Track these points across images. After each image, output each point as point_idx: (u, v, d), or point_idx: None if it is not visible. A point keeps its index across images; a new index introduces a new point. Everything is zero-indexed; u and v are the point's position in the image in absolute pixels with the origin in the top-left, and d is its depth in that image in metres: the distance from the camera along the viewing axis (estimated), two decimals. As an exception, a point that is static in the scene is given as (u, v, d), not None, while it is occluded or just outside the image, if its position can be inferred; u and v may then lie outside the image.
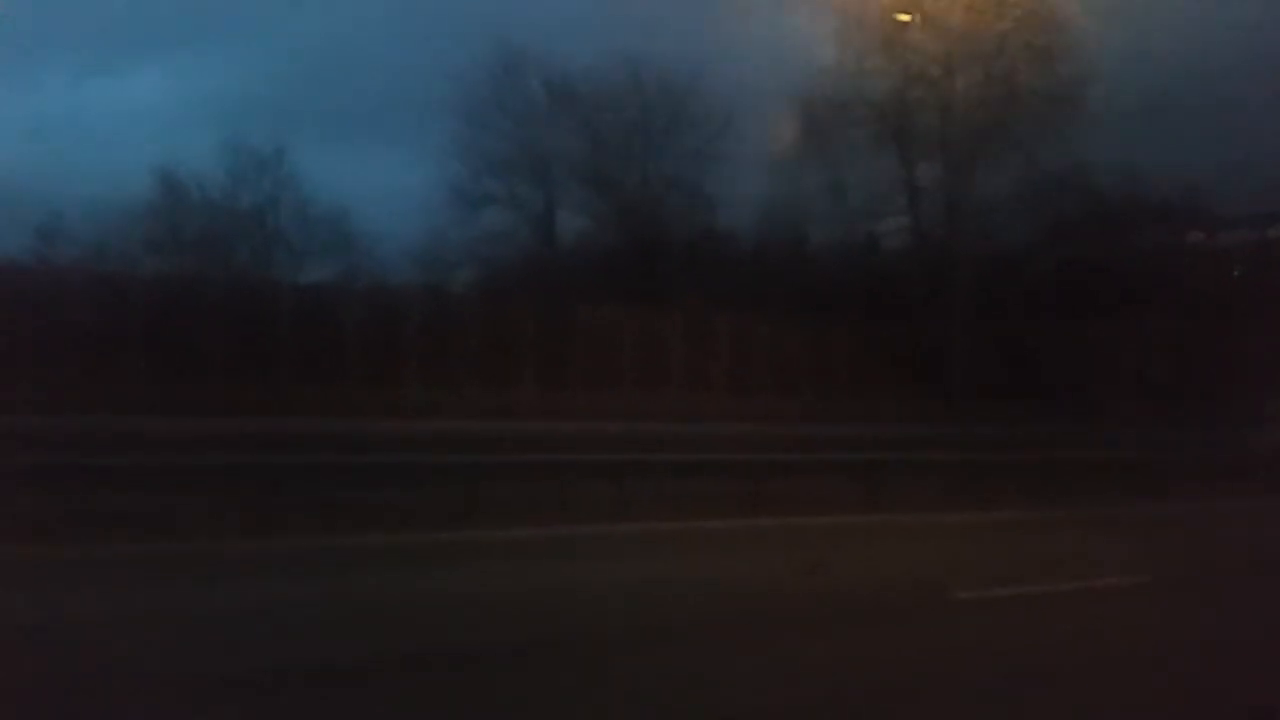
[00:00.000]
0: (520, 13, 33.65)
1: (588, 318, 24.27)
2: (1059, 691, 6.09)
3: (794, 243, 31.22)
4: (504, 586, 8.52)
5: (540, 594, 8.20)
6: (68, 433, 11.78)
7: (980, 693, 6.09)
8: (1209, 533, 12.89)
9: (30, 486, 10.14)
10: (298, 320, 21.14)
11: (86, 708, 5.27)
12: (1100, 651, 7.01)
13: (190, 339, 18.91)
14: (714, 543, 10.97)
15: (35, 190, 25.44)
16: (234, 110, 36.06)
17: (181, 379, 17.92)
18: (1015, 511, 13.50)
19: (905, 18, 26.50)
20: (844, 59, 27.98)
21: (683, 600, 8.06)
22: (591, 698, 5.68)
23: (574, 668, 6.19)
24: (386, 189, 30.04)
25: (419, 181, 33.02)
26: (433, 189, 29.38)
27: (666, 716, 5.55)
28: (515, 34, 29.06)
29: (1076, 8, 26.61)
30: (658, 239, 30.01)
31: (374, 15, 36.85)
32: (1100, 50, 26.71)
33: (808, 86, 28.65)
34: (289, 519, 10.68)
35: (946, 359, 25.61)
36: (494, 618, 7.31)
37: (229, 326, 19.51)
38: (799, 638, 7.12)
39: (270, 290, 24.53)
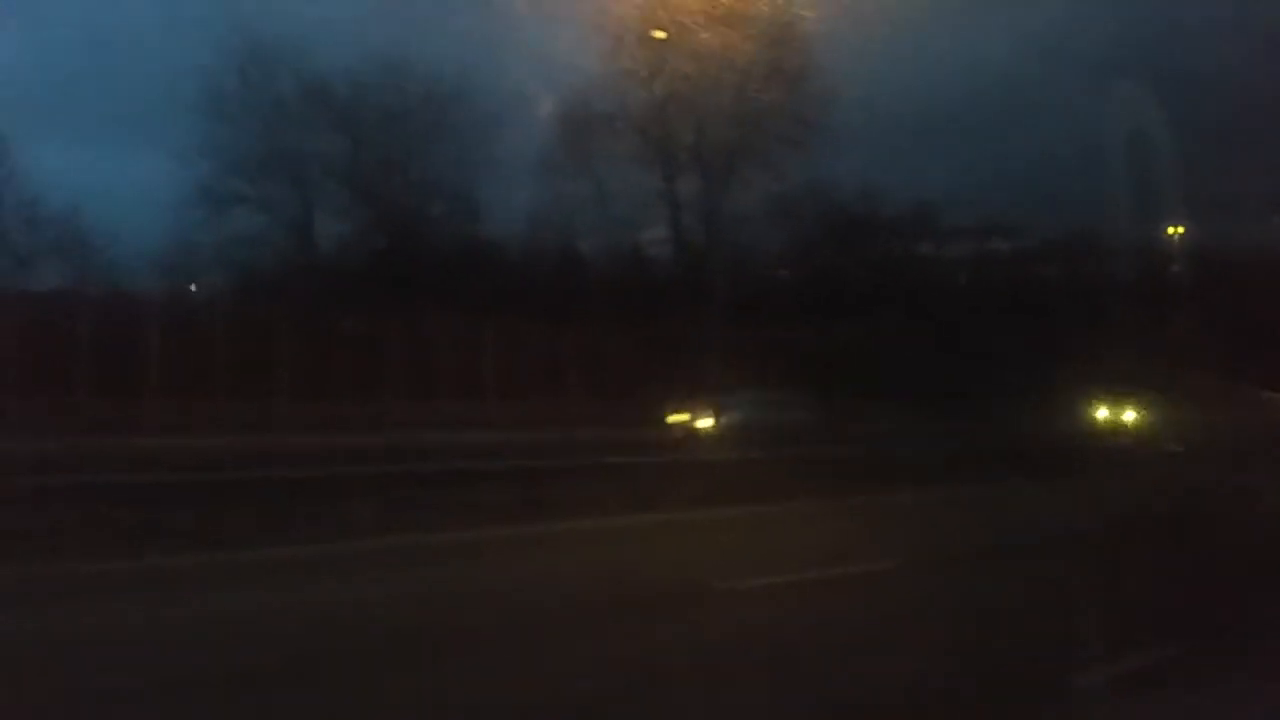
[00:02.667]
0: (275, 7, 32.35)
1: (349, 327, 23.69)
2: (795, 669, 6.65)
3: (561, 251, 31.61)
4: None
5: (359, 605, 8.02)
6: None
7: (734, 673, 6.55)
8: (955, 519, 13.93)
9: None
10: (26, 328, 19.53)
11: None
12: (839, 629, 7.68)
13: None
14: (494, 550, 10.93)
15: None
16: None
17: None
18: (779, 505, 14.07)
19: (661, 35, 27.48)
20: (605, 73, 28.70)
21: (475, 607, 8.09)
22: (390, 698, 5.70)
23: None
24: (126, 189, 27.96)
25: (163, 181, 30.85)
26: (178, 189, 27.61)
27: (471, 708, 5.67)
28: (268, 28, 28.02)
29: (823, 31, 28.39)
30: (421, 246, 29.56)
31: (114, 3, 34.26)
32: (843, 73, 28.68)
33: (571, 98, 29.17)
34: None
35: (707, 361, 26.66)
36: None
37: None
38: (573, 636, 7.33)
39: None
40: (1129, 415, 26.37)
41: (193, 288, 29.26)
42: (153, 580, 9.02)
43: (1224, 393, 26.25)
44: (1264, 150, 30.57)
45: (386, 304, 24.29)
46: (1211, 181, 30.38)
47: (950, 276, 36.55)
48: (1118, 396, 26.70)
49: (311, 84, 28.66)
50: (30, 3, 35.45)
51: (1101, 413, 26.65)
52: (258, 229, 29.18)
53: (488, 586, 9.00)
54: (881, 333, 28.45)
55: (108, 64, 32.32)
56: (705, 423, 23.24)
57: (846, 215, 32.71)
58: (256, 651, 6.62)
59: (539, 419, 21.91)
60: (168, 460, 14.77)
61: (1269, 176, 31.83)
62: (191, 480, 13.36)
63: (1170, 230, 32.25)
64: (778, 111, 30.61)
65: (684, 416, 23.52)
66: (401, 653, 6.73)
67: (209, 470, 14.30)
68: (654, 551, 10.92)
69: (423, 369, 24.23)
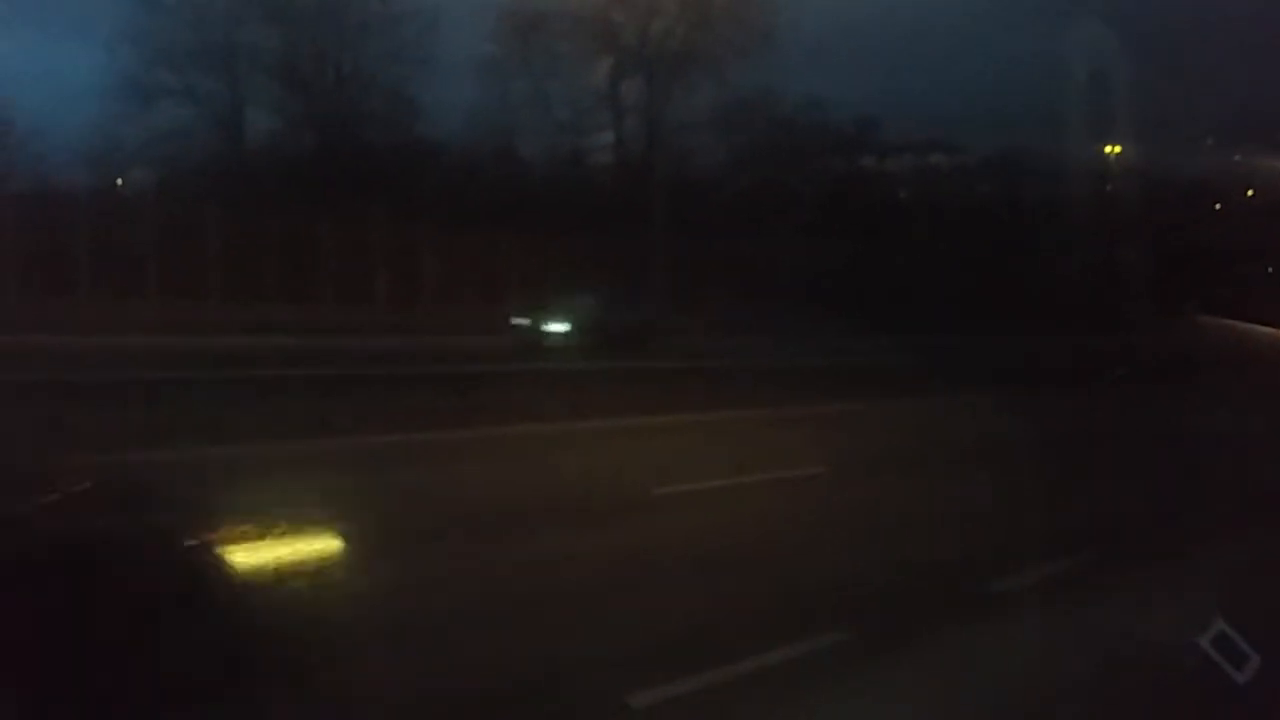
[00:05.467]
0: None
1: (282, 227, 23.12)
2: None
3: (500, 154, 30.95)
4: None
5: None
6: None
7: (674, 572, 6.77)
8: (883, 429, 14.18)
9: None
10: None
11: None
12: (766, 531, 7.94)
13: None
14: (428, 454, 10.88)
15: None
16: None
17: None
18: (713, 413, 14.19)
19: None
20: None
21: (413, 511, 8.07)
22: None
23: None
24: (50, 79, 26.53)
25: (88, 72, 29.37)
26: (104, 80, 26.23)
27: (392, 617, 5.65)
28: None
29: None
30: (355, 144, 28.72)
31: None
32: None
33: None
34: None
35: (647, 272, 26.59)
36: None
37: None
38: (516, 539, 7.37)
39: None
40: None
41: (119, 182, 28.22)
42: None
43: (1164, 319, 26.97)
44: (1205, 73, 30.92)
45: (320, 202, 23.65)
46: (1151, 102, 30.68)
47: (891, 190, 36.73)
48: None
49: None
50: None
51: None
52: (186, 122, 28.06)
53: (427, 491, 8.98)
54: (823, 246, 28.51)
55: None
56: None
57: (790, 128, 32.46)
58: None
59: (476, 325, 21.72)
60: (91, 359, 14.48)
61: (1206, 98, 32.26)
62: (110, 379, 13.05)
63: (1107, 149, 32.61)
64: (724, 15, 30.08)
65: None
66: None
67: (128, 369, 13.99)
68: (592, 458, 10.96)
69: (357, 271, 23.87)
